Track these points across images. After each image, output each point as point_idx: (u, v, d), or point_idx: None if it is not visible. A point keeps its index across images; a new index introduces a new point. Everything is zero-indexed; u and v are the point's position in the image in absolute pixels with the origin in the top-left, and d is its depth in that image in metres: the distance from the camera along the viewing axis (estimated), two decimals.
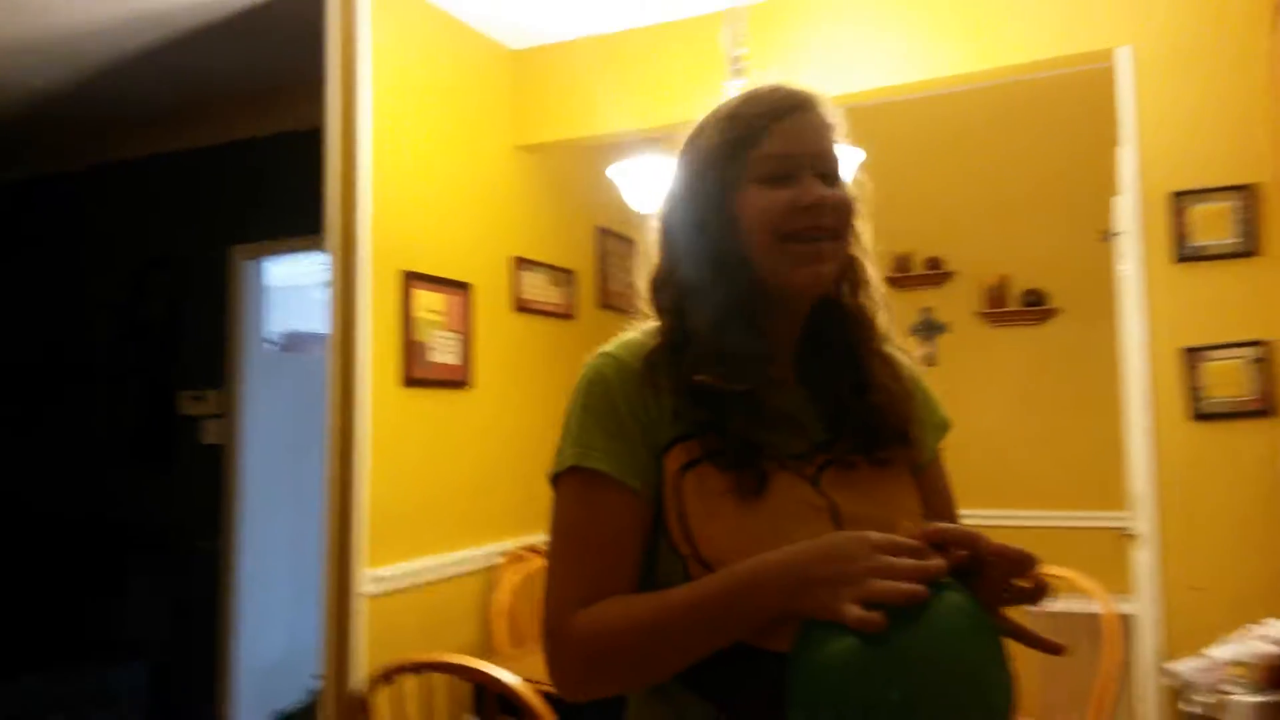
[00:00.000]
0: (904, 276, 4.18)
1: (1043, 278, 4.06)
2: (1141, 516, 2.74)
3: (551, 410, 3.52)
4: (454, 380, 3.24)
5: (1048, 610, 0.90)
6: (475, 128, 3.45)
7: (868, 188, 1.08)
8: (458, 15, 3.34)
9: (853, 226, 1.05)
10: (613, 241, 4.22)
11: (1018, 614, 0.91)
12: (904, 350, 1.13)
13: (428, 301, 3.12)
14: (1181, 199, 2.71)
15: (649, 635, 0.91)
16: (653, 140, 3.12)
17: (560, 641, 0.94)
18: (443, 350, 3.18)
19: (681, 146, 1.09)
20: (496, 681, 1.86)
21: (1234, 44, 2.69)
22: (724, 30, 2.62)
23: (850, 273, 1.07)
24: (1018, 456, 3.97)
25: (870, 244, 1.09)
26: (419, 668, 2.06)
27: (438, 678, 2.37)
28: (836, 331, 1.07)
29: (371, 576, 2.82)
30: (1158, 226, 2.73)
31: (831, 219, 1.00)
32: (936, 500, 1.10)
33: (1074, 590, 2.48)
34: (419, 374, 3.06)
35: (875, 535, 0.83)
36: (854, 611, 0.78)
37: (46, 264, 4.65)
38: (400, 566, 2.94)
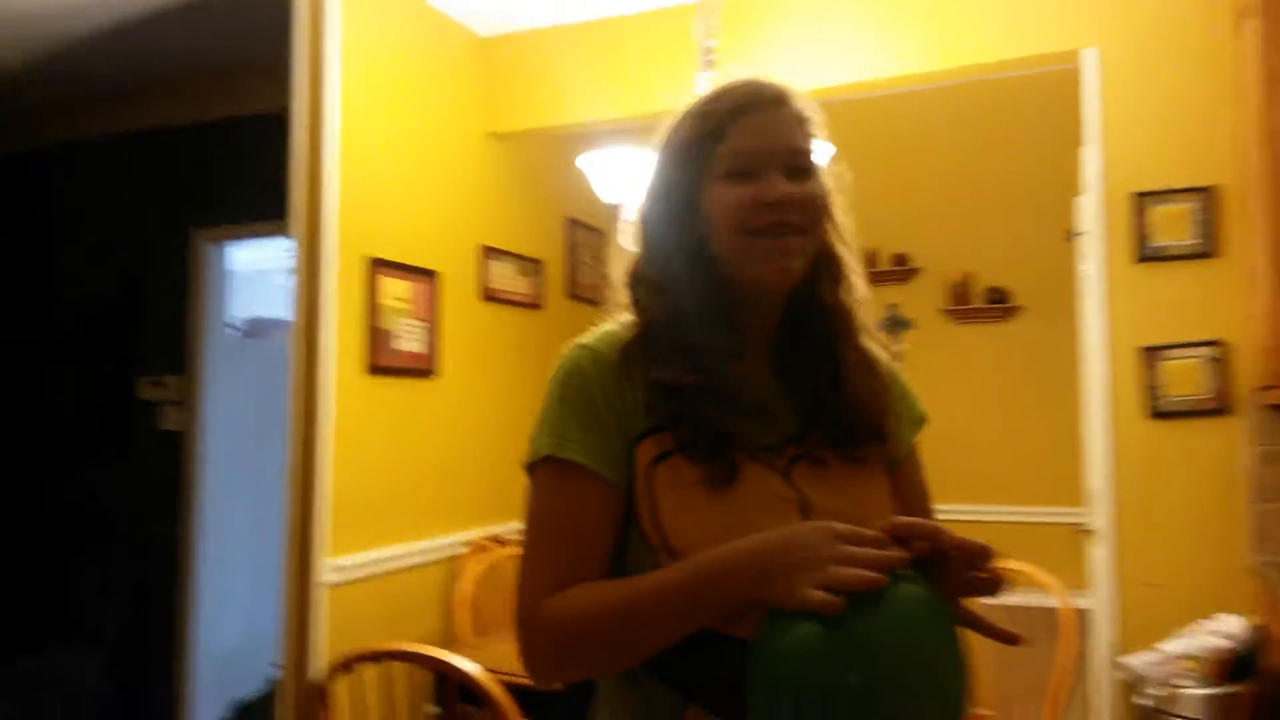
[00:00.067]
0: (870, 272, 4.17)
1: (1006, 276, 4.11)
2: (1099, 513, 2.79)
3: (518, 400, 3.53)
4: (419, 369, 3.22)
5: (1006, 604, 0.92)
6: (444, 114, 3.42)
7: (846, 180, 1.08)
8: (428, 0, 3.31)
9: (823, 221, 1.05)
10: (582, 232, 4.21)
11: (976, 606, 0.92)
12: (882, 344, 1.14)
13: (394, 289, 3.09)
14: (1143, 200, 2.75)
15: (619, 621, 0.92)
16: (624, 131, 3.12)
17: (532, 627, 0.95)
18: (408, 338, 3.15)
19: (658, 141, 1.09)
20: (456, 670, 1.86)
21: (1198, 48, 2.74)
22: (696, 22, 2.62)
23: (829, 266, 1.08)
24: (978, 452, 4.01)
25: (853, 238, 1.09)
26: (379, 656, 2.06)
27: (398, 667, 2.36)
28: (815, 325, 1.08)
29: (333, 565, 2.80)
30: (1119, 226, 2.77)
31: (798, 215, 1.00)
32: (911, 495, 1.11)
33: (1032, 585, 2.51)
34: (384, 362, 3.04)
35: (839, 525, 0.85)
36: (815, 595, 0.80)
37: (9, 243, 4.55)
38: (362, 555, 2.92)
